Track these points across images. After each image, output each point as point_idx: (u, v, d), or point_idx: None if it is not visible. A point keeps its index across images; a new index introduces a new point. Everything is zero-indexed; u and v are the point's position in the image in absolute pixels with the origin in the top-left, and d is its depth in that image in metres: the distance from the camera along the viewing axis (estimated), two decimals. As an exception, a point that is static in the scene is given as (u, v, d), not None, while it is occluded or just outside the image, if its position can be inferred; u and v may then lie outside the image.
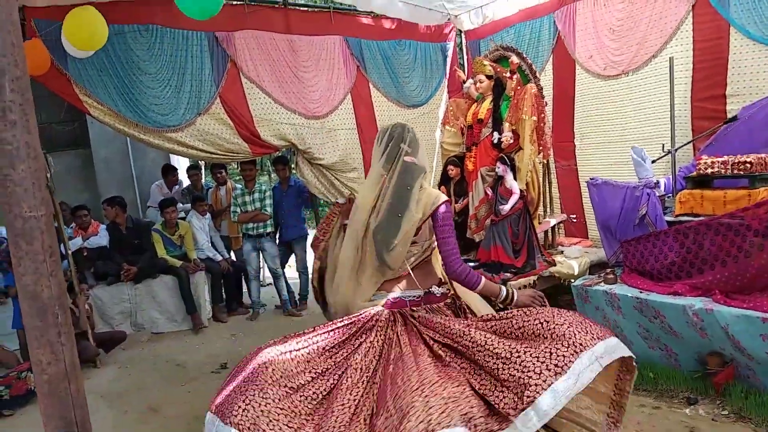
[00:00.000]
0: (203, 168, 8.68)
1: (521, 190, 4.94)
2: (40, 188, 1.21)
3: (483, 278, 2.47)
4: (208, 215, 6.79)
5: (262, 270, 7.03)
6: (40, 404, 1.30)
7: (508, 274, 4.78)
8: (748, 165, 3.65)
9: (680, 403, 3.49)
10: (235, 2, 5.38)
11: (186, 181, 7.80)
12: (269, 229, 6.46)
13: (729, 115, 4.38)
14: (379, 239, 2.38)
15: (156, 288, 6.16)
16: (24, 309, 1.24)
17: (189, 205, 6.93)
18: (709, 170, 3.86)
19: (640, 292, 3.82)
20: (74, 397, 1.27)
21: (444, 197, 2.45)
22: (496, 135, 5.18)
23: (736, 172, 3.72)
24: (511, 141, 5.09)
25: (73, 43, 3.96)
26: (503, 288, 2.53)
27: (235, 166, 9.26)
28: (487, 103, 5.32)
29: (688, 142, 4.61)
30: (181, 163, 8.95)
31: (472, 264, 5.19)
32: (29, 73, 1.21)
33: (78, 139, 8.46)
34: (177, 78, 5.16)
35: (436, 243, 2.49)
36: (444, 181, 5.71)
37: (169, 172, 7.41)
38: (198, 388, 4.47)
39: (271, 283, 7.48)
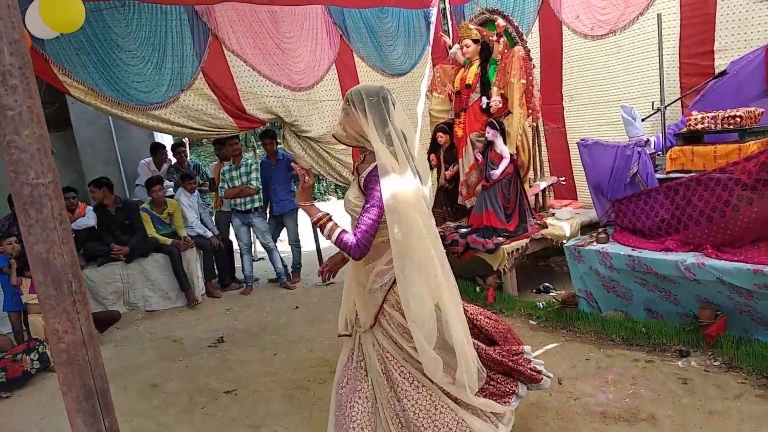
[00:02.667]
0: (187, 146, 8.56)
1: (511, 154, 4.94)
2: (46, 154, 1.18)
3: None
4: (197, 192, 6.73)
5: (253, 244, 7.01)
6: (58, 374, 1.29)
7: (501, 238, 4.82)
8: (738, 119, 3.68)
9: (673, 356, 3.56)
10: (213, -27, 5.26)
11: (173, 159, 7.70)
12: (257, 204, 6.43)
13: (717, 71, 4.40)
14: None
15: (148, 267, 6.13)
16: (37, 279, 1.22)
17: (172, 183, 6.88)
18: (699, 126, 3.88)
19: (632, 250, 3.87)
20: (93, 366, 1.26)
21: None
22: (484, 100, 5.16)
23: (725, 126, 3.74)
24: (500, 105, 5.08)
25: (51, 25, 3.84)
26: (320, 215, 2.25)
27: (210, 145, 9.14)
28: (474, 68, 5.28)
29: (678, 99, 4.63)
30: (166, 141, 8.82)
31: (464, 230, 5.23)
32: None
33: (59, 121, 8.27)
34: (158, 54, 5.06)
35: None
36: (433, 148, 5.71)
37: (158, 150, 7.30)
38: (197, 363, 4.48)
39: (263, 257, 7.48)
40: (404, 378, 2.29)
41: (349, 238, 2.13)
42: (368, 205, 2.14)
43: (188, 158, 7.75)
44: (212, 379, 4.12)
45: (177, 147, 7.40)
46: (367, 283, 2.29)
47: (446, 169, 5.64)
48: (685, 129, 4.04)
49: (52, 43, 4.45)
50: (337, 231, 2.16)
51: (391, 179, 2.11)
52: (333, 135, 2.36)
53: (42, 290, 1.20)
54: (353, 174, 2.37)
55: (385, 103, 2.19)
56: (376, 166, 2.14)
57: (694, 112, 4.00)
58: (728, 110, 3.78)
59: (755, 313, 3.39)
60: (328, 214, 2.23)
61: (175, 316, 5.90)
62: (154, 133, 8.18)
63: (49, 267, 1.20)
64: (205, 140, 17.05)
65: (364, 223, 2.12)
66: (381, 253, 2.25)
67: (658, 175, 4.01)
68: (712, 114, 3.83)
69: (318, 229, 2.25)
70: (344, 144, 2.33)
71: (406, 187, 2.12)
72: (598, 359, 3.67)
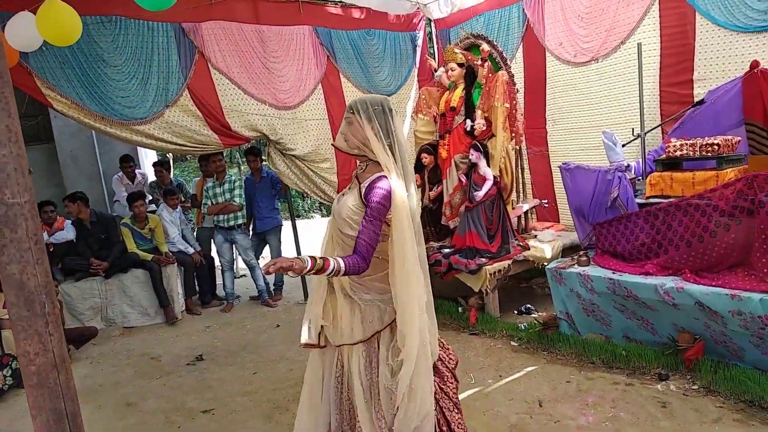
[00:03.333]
0: (171, 162, 8.53)
1: (495, 177, 4.99)
2: (23, 173, 1.17)
3: None
4: (179, 208, 6.69)
5: (235, 261, 6.96)
6: (28, 397, 1.26)
7: (484, 259, 4.84)
8: (716, 147, 3.76)
9: (652, 379, 3.58)
10: (200, -8, 5.29)
11: (151, 176, 7.65)
12: (240, 221, 6.40)
13: (696, 99, 4.50)
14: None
15: (127, 282, 6.05)
16: (9, 299, 1.20)
17: (150, 198, 6.84)
18: (678, 152, 3.95)
19: (613, 273, 3.90)
20: (64, 389, 1.23)
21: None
22: (468, 122, 5.22)
23: (703, 153, 3.82)
24: (484, 128, 5.14)
25: (47, 36, 3.80)
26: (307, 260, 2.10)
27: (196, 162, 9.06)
28: (459, 91, 5.35)
29: (657, 126, 4.72)
30: (149, 156, 8.77)
31: (447, 250, 5.24)
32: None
33: (41, 134, 8.21)
34: (143, 70, 5.06)
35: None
36: (418, 169, 5.74)
37: (126, 161, 7.23)
38: (174, 381, 4.41)
39: (245, 275, 7.42)
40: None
41: (354, 260, 2.09)
42: (370, 218, 2.12)
43: (171, 174, 7.72)
44: (190, 398, 4.06)
45: (158, 165, 7.36)
46: (347, 288, 2.26)
47: (430, 190, 5.67)
48: (664, 155, 4.11)
49: (36, 56, 4.42)
50: (342, 263, 2.07)
51: (395, 191, 2.12)
52: (333, 144, 2.35)
53: (14, 311, 1.18)
54: (353, 180, 2.34)
55: (389, 114, 2.20)
56: (378, 177, 2.16)
57: (673, 139, 4.08)
58: (706, 138, 3.86)
59: (730, 344, 3.44)
60: (314, 257, 2.09)
61: (153, 333, 5.82)
62: (138, 148, 8.14)
63: (22, 288, 1.18)
64: (189, 156, 17.00)
65: (367, 236, 2.11)
66: (373, 266, 2.21)
67: (637, 200, 4.07)
68: (691, 141, 3.90)
69: (319, 275, 2.11)
70: (345, 152, 2.31)
71: (406, 199, 2.15)
72: (578, 381, 3.67)
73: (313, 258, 2.05)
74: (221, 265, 6.63)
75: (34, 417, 1.23)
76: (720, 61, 4.50)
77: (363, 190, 2.18)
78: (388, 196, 2.12)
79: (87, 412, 4.02)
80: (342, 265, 2.06)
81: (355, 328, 2.24)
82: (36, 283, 1.19)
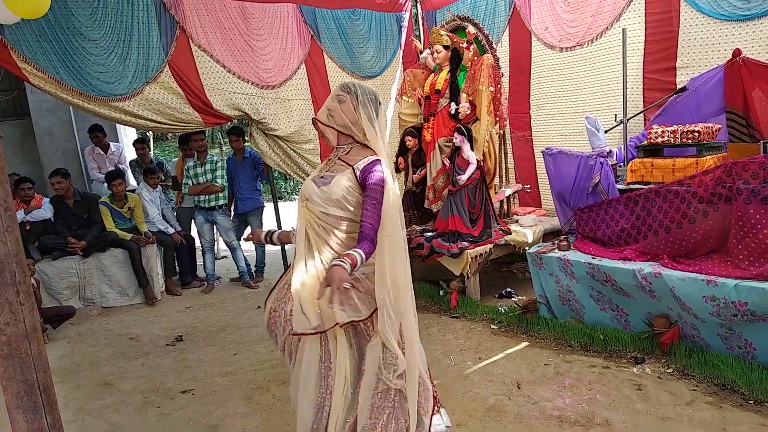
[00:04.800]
0: (152, 141, 8.40)
1: (478, 161, 4.99)
2: (-9, 138, 1.13)
3: None
4: (159, 188, 6.60)
5: (216, 242, 6.90)
6: (-1, 368, 1.24)
7: (465, 243, 4.85)
8: (696, 134, 3.79)
9: (628, 363, 3.64)
10: (183, -35, 5.17)
11: (129, 155, 7.53)
12: (221, 202, 6.34)
13: (679, 87, 4.53)
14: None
15: (105, 262, 5.97)
16: (-22, 268, 1.17)
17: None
18: (659, 139, 3.98)
19: (593, 258, 3.94)
20: (35, 360, 1.21)
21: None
22: (453, 105, 5.20)
23: (684, 140, 3.85)
24: (468, 112, 5.13)
25: (13, 9, 3.69)
26: None
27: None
28: (444, 74, 5.32)
29: (640, 113, 4.75)
30: (128, 134, 8.62)
31: (429, 234, 5.25)
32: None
33: (17, 109, 8.02)
34: (123, 45, 4.96)
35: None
36: (402, 152, 5.72)
37: (94, 130, 7.08)
38: (153, 362, 4.38)
39: (226, 256, 7.37)
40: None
41: (367, 246, 2.14)
42: (373, 201, 2.18)
43: (152, 152, 7.60)
44: (169, 378, 4.03)
45: (138, 143, 7.23)
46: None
47: (414, 173, 5.66)
48: (645, 142, 4.14)
49: (11, 28, 4.30)
50: (362, 253, 2.10)
51: (388, 176, 2.22)
52: (315, 119, 2.37)
53: (-17, 279, 1.15)
54: (335, 162, 2.37)
55: (378, 106, 2.31)
56: (374, 161, 2.23)
57: (655, 126, 4.11)
58: (687, 125, 3.89)
59: (698, 338, 3.52)
60: (341, 257, 2.09)
61: (132, 313, 5.76)
62: (117, 125, 8.00)
63: (-9, 255, 1.15)
64: (170, 135, 16.76)
65: (372, 219, 2.17)
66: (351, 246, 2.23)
67: (618, 186, 4.10)
68: (672, 128, 3.93)
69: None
70: (326, 128, 2.33)
71: (393, 183, 2.25)
72: (556, 364, 3.72)
73: (345, 262, 2.04)
74: (202, 246, 6.57)
75: (4, 388, 1.20)
76: (703, 49, 4.52)
77: (358, 173, 2.22)
78: (383, 180, 2.20)
79: (64, 392, 3.99)
80: (363, 255, 2.11)
81: (336, 310, 2.21)
82: (6, 251, 1.16)
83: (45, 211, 6.05)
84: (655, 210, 3.69)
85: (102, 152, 7.08)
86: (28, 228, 5.92)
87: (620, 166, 4.41)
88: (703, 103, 4.28)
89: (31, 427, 1.20)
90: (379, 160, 2.24)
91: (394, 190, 2.25)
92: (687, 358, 3.47)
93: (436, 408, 2.57)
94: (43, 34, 4.53)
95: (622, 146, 4.47)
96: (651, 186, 3.80)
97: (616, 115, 4.53)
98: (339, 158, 2.34)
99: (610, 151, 4.40)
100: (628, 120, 4.43)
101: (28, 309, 1.18)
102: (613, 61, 5.00)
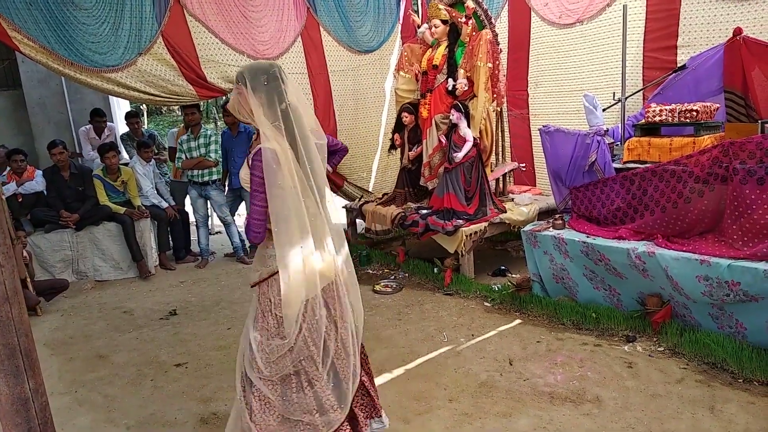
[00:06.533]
0: (145, 114, 8.30)
1: (474, 138, 4.96)
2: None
3: None
4: (153, 161, 6.53)
5: (210, 217, 6.87)
6: (-20, 332, 1.22)
7: (460, 221, 4.84)
8: (694, 113, 3.76)
9: (620, 341, 3.67)
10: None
11: (121, 129, 7.43)
12: (215, 177, 6.29)
13: (679, 66, 4.48)
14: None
15: (98, 235, 5.94)
16: (-43, 228, 1.13)
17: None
18: (657, 118, 3.95)
19: (587, 237, 3.94)
20: (17, 323, 1.18)
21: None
22: (450, 82, 5.14)
23: (682, 120, 3.83)
24: (466, 88, 5.07)
25: None
26: None
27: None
28: (442, 49, 5.25)
29: (638, 91, 4.71)
30: (121, 107, 8.51)
31: (424, 211, 5.23)
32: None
33: (8, 80, 7.90)
34: (115, 14, 4.87)
35: None
36: (398, 128, 5.67)
37: (96, 116, 7.01)
38: (147, 335, 4.38)
39: (220, 231, 7.34)
40: None
41: (246, 231, 2.23)
42: (253, 191, 2.13)
43: (144, 127, 7.51)
44: (163, 352, 4.04)
45: (131, 117, 7.15)
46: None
47: (410, 150, 5.62)
48: (643, 120, 4.12)
49: (0, -5, 4.22)
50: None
51: (265, 156, 2.06)
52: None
53: (-38, 240, 1.12)
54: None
55: (277, 81, 2.14)
56: (257, 150, 2.09)
57: (653, 104, 4.07)
58: (686, 104, 3.86)
59: (689, 318, 3.54)
60: None
61: (126, 287, 5.75)
62: (110, 98, 7.89)
63: (-31, 216, 1.12)
64: (164, 109, 16.59)
65: (252, 209, 2.15)
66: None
67: (615, 165, 4.08)
68: (670, 107, 3.90)
69: None
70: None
71: (277, 159, 2.07)
72: (548, 342, 3.74)
73: None
74: (195, 221, 6.54)
75: (-15, 353, 1.19)
76: (704, 27, 4.46)
77: (249, 161, 2.17)
78: (261, 171, 2.07)
79: (57, 364, 4.00)
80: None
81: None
82: (-13, 213, 1.13)
83: (37, 183, 6.00)
84: (651, 189, 3.68)
85: (97, 137, 6.99)
86: (20, 200, 5.87)
87: (617, 145, 4.39)
88: (702, 82, 4.25)
89: (12, 392, 1.19)
90: (260, 150, 2.08)
91: (277, 166, 2.07)
92: (678, 336, 3.49)
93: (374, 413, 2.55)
94: (34, 2, 4.46)
95: (620, 125, 4.44)
96: (648, 165, 3.78)
97: (614, 93, 4.49)
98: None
99: (608, 130, 4.37)
100: (626, 98, 4.40)
101: (8, 271, 1.15)
102: (613, 39, 4.94)
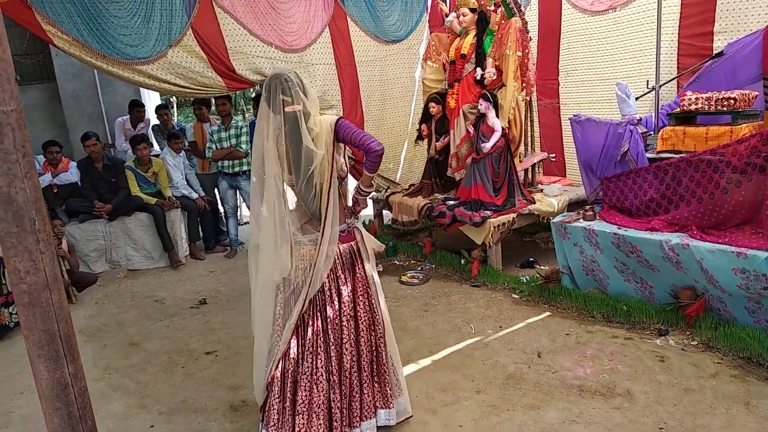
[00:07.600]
0: (175, 107, 8.40)
1: (503, 128, 4.89)
2: (9, 80, 1.11)
3: None
4: (183, 153, 6.62)
5: (239, 208, 6.94)
6: (20, 317, 1.24)
7: (488, 212, 4.79)
8: (732, 101, 3.64)
9: (652, 334, 3.59)
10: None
11: (154, 120, 7.53)
12: (245, 168, 6.34)
13: (715, 52, 4.35)
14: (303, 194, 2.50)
15: (131, 225, 6.05)
16: (-3, 214, 1.16)
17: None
18: (693, 106, 3.84)
19: (619, 228, 3.86)
20: (57, 309, 1.20)
21: (334, 117, 2.52)
22: (479, 71, 5.08)
23: (719, 108, 3.71)
24: (494, 77, 5.01)
25: None
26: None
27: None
28: (470, 38, 5.19)
29: (673, 78, 4.58)
30: (152, 99, 8.64)
31: (452, 202, 5.20)
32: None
33: (42, 73, 8.07)
34: (146, 7, 4.94)
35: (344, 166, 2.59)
36: (425, 118, 5.63)
37: (135, 107, 7.13)
38: (178, 324, 4.46)
39: (249, 222, 7.40)
40: None
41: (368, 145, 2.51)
42: (362, 137, 2.49)
43: (174, 120, 7.60)
44: (193, 340, 4.10)
45: (161, 109, 7.25)
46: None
47: (437, 140, 5.58)
48: (678, 109, 4.00)
49: (36, -10, 4.30)
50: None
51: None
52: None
53: (2, 226, 1.13)
54: None
55: (277, 91, 2.42)
56: (339, 119, 2.53)
57: (689, 93, 3.96)
58: (723, 92, 3.74)
59: (724, 311, 3.45)
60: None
61: (157, 276, 5.86)
62: (142, 91, 8.02)
63: (10, 202, 1.13)
64: (193, 100, 16.78)
65: (368, 138, 2.48)
66: None
67: (648, 155, 3.99)
68: (707, 95, 3.79)
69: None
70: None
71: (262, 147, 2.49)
72: (578, 335, 3.68)
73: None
74: (225, 212, 6.61)
75: (26, 337, 1.21)
76: (742, 12, 4.32)
77: (334, 132, 2.52)
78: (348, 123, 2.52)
79: (92, 350, 4.09)
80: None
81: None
82: (24, 197, 1.15)
83: (72, 174, 6.14)
84: (686, 180, 3.58)
85: (132, 128, 7.11)
86: (55, 191, 6.02)
87: (650, 134, 4.28)
88: (739, 70, 4.11)
89: (52, 376, 1.21)
90: (339, 118, 2.55)
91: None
92: (712, 330, 3.40)
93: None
94: (67, -5, 4.53)
95: (653, 114, 4.33)
96: (682, 155, 3.68)
97: (648, 81, 4.38)
98: None
99: (640, 119, 4.27)
100: (660, 87, 4.28)
101: (48, 257, 1.18)
102: (646, 26, 4.82)
